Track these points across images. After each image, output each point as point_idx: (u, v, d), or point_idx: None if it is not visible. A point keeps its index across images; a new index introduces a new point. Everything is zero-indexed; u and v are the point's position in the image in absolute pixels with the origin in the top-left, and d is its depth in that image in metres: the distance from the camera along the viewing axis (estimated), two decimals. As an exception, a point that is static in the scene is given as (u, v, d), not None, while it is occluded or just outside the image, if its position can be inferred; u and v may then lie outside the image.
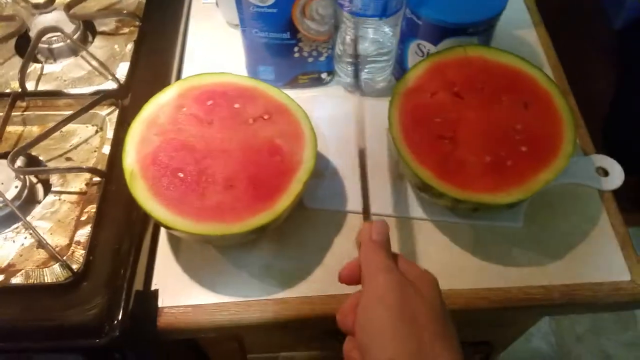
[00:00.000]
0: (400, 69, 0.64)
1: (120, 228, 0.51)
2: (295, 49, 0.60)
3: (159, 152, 0.46)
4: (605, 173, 0.55)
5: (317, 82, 0.65)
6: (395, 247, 0.51)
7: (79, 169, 0.55)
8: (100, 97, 0.59)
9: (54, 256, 0.49)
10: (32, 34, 0.67)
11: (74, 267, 0.48)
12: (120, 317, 0.45)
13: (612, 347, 1.47)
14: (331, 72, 0.65)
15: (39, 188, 0.57)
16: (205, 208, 0.44)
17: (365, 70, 0.62)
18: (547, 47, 0.70)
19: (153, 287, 0.50)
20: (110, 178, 0.54)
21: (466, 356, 0.33)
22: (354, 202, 0.55)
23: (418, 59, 0.59)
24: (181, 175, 0.45)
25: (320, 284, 0.50)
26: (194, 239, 0.48)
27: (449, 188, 0.45)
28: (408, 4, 0.56)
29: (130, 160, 0.46)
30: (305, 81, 0.64)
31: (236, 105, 0.50)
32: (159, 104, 0.49)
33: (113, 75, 0.61)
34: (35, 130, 0.61)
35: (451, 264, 0.51)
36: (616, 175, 0.55)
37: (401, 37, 0.60)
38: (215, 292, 0.50)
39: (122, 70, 0.64)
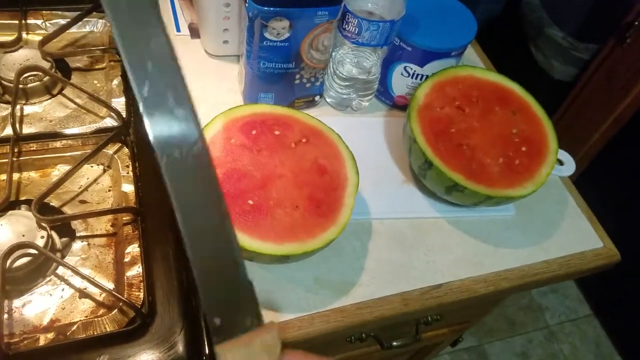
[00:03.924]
0: (383, 88, 0.71)
1: (173, 262, 0.50)
2: (297, 76, 0.64)
3: (224, 183, 0.48)
4: (561, 163, 0.69)
5: (311, 104, 0.70)
6: (417, 245, 0.59)
7: (116, 210, 0.53)
8: (113, 136, 0.57)
9: (115, 301, 0.47)
10: (3, 74, 0.62)
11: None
12: (207, 352, 0.45)
13: (513, 312, 1.70)
14: (321, 95, 0.70)
15: (55, 236, 0.53)
16: (281, 230, 0.47)
17: (352, 90, 0.69)
18: (483, 56, 0.83)
19: (215, 317, 0.50)
20: (145, 215, 0.53)
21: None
22: (375, 209, 0.61)
23: (404, 79, 0.68)
24: (251, 202, 0.47)
25: (369, 287, 0.55)
26: (273, 260, 0.49)
27: (480, 187, 0.53)
28: (398, 33, 0.64)
29: (197, 193, 0.46)
30: (301, 104, 0.69)
31: (276, 132, 0.53)
32: (208, 139, 0.50)
33: (116, 111, 0.60)
34: (34, 175, 0.57)
35: (469, 253, 0.59)
36: (570, 164, 0.68)
37: (384, 61, 0.68)
38: (273, 310, 0.52)
39: (116, 106, 0.62)
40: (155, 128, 0.26)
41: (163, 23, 0.27)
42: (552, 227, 0.63)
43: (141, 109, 0.26)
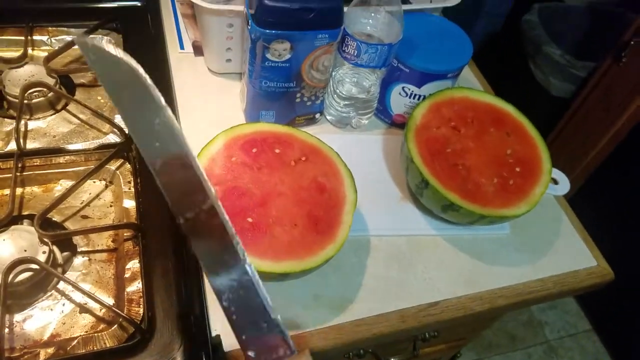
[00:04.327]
0: (382, 107, 0.72)
1: (173, 278, 0.51)
2: (298, 95, 0.66)
3: (224, 201, 0.48)
4: (555, 182, 0.70)
5: (311, 121, 0.71)
6: (414, 262, 0.60)
7: (117, 226, 0.54)
8: (115, 152, 0.58)
9: (115, 316, 0.48)
10: (8, 90, 0.63)
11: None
12: (205, 366, 0.46)
13: (513, 327, 1.70)
14: (322, 112, 0.72)
15: (56, 250, 0.54)
16: (279, 248, 0.48)
17: (351, 109, 0.70)
18: (480, 77, 0.85)
19: (213, 334, 0.51)
20: (146, 231, 0.54)
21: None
22: (373, 225, 0.61)
23: (402, 99, 0.69)
24: (250, 220, 0.48)
25: (367, 304, 0.55)
26: (271, 278, 0.50)
27: (475, 207, 0.54)
28: (396, 55, 0.65)
29: (197, 211, 0.47)
30: (301, 122, 0.70)
31: (277, 150, 0.54)
32: (210, 156, 0.51)
33: (119, 127, 0.61)
34: (37, 190, 0.58)
35: (465, 271, 0.60)
36: (565, 183, 0.69)
37: (383, 81, 0.69)
38: (273, 328, 0.52)
39: (119, 122, 0.63)
40: None
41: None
42: (547, 246, 0.64)
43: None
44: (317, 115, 0.71)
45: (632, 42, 1.29)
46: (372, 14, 0.61)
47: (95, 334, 0.47)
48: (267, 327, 0.32)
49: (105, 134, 0.63)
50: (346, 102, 0.69)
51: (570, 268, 0.62)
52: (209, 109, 0.70)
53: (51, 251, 0.51)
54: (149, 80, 0.32)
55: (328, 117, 0.73)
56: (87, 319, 0.49)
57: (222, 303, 0.31)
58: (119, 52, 0.32)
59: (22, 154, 0.57)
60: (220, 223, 0.31)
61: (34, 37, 0.71)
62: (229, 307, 0.31)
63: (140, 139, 0.32)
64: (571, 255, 0.64)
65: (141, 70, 0.32)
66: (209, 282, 0.31)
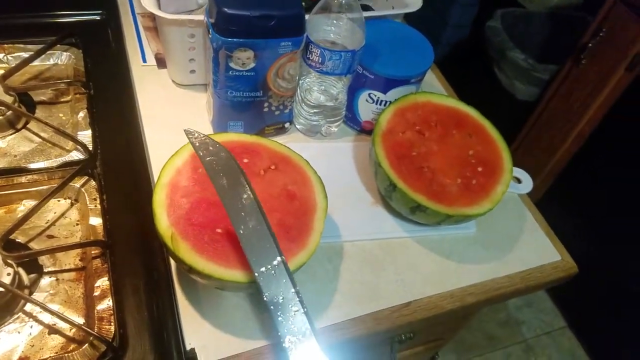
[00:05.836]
0: (350, 114, 0.73)
1: (143, 295, 0.50)
2: (265, 104, 0.66)
3: (192, 213, 0.48)
4: (519, 181, 0.72)
5: (281, 131, 0.71)
6: (386, 264, 0.60)
7: (84, 244, 0.53)
8: (79, 169, 0.57)
9: (85, 335, 0.47)
10: (-34, 109, 0.62)
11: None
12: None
13: (491, 327, 1.73)
14: (291, 122, 0.72)
15: (22, 272, 0.53)
16: (250, 257, 0.47)
17: (321, 117, 0.71)
18: (443, 81, 0.87)
19: (188, 347, 0.51)
20: (114, 248, 0.53)
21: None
22: (345, 231, 0.62)
23: (369, 105, 0.70)
24: (219, 230, 0.48)
25: (343, 308, 0.56)
26: (244, 287, 0.50)
27: (441, 207, 0.55)
28: (360, 62, 0.66)
29: (165, 224, 0.47)
30: (271, 131, 0.70)
31: (245, 160, 0.54)
32: (176, 168, 0.51)
33: (83, 144, 0.60)
34: (-1, 212, 0.56)
35: (436, 271, 0.61)
36: (528, 182, 0.71)
37: (350, 88, 0.70)
38: (250, 337, 0.52)
39: (82, 139, 0.62)
40: None
41: None
42: (512, 243, 0.66)
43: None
44: (287, 125, 0.71)
45: (590, 45, 1.34)
46: (334, 21, 0.62)
47: (66, 354, 0.46)
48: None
49: (69, 151, 0.62)
50: (315, 111, 0.70)
51: (536, 263, 0.64)
52: (175, 121, 0.69)
53: (16, 273, 0.50)
54: (238, 165, 0.43)
55: (298, 126, 0.73)
56: (57, 340, 0.48)
57: (284, 345, 0.36)
58: (217, 143, 0.44)
59: (-18, 175, 0.56)
60: (287, 276, 0.39)
61: (-10, 55, 0.70)
62: (289, 348, 0.37)
63: (231, 210, 0.42)
64: (536, 251, 0.65)
65: (233, 157, 0.44)
66: (276, 327, 0.37)
